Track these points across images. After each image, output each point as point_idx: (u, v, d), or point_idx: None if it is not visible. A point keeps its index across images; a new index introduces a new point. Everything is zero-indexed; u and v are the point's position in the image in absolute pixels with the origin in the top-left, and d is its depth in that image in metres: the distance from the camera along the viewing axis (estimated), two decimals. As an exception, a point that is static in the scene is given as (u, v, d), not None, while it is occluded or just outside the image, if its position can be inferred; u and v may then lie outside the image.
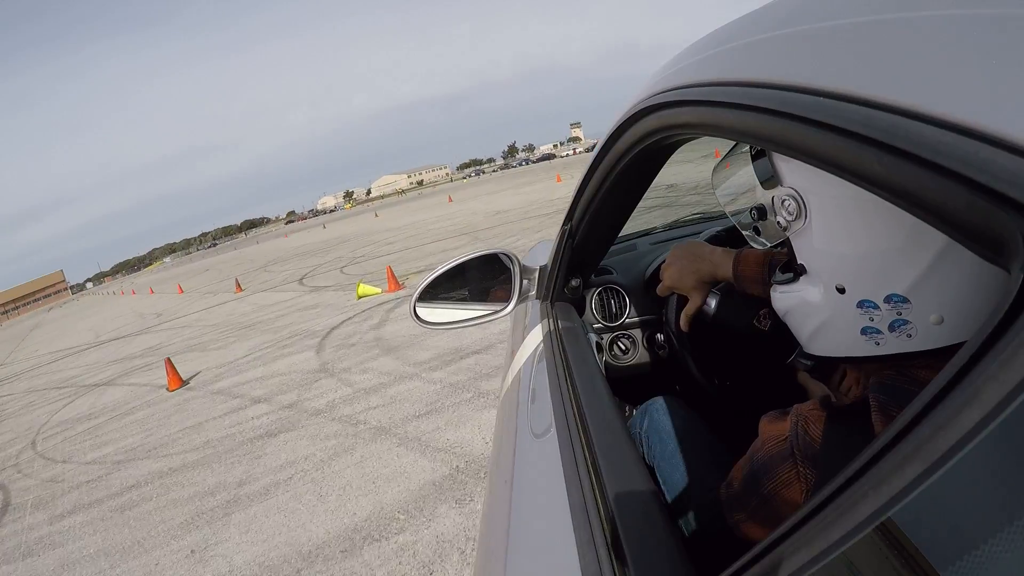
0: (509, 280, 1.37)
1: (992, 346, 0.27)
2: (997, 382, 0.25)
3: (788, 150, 0.45)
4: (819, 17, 0.46)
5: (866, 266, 0.56)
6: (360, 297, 8.31)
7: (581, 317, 1.28)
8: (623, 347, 1.54)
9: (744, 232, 0.74)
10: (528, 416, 1.01)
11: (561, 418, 0.85)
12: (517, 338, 1.53)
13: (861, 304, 0.57)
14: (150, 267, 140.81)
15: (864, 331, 0.59)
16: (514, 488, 0.85)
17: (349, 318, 7.35)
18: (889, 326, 0.56)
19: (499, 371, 3.77)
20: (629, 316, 1.54)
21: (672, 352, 1.26)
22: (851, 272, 0.58)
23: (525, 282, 1.37)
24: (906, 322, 0.55)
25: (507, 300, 1.35)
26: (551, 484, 0.74)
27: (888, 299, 0.55)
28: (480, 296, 1.43)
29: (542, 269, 1.38)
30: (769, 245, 0.70)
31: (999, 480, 0.27)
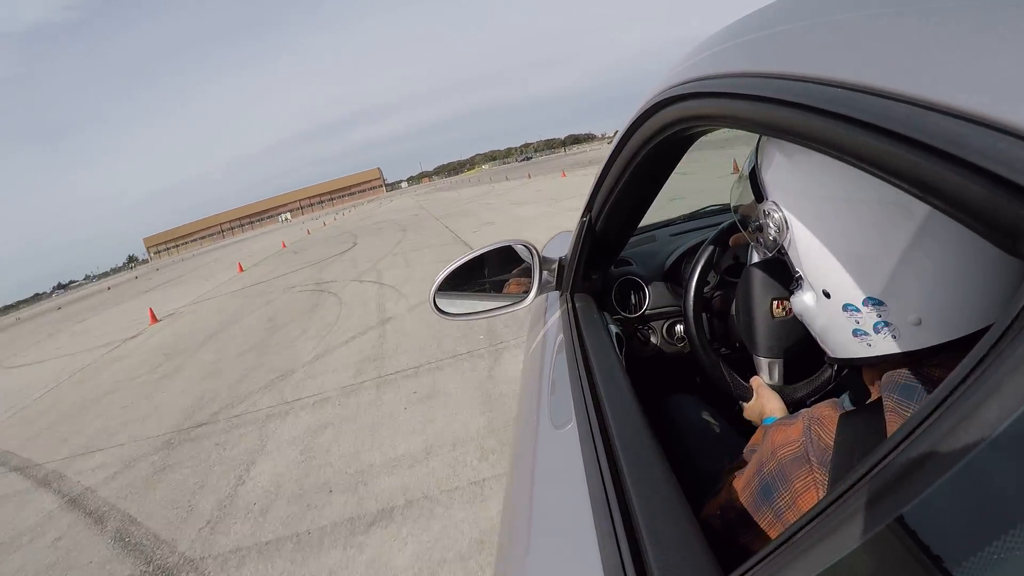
0: (529, 271, 1.37)
1: (1009, 342, 0.26)
2: (1013, 378, 0.25)
3: (805, 141, 0.45)
4: (837, 9, 0.45)
5: (842, 271, 0.59)
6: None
7: (601, 309, 1.28)
8: (643, 338, 1.54)
9: (752, 244, 0.77)
10: (548, 408, 1.02)
11: (581, 410, 0.86)
12: (536, 329, 1.54)
13: (845, 308, 0.61)
14: (470, 171, 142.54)
15: (855, 333, 0.61)
16: (534, 480, 0.85)
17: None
18: (873, 328, 0.59)
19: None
20: (649, 308, 1.53)
21: (692, 344, 1.26)
22: (830, 278, 0.61)
23: (545, 273, 1.37)
24: (887, 323, 0.57)
25: (527, 291, 1.36)
26: (571, 476, 0.74)
27: (866, 302, 0.58)
28: (500, 287, 1.44)
29: (561, 260, 1.39)
30: (770, 255, 0.72)
31: (1014, 479, 0.26)
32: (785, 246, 0.66)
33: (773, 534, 0.65)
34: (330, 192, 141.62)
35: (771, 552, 0.38)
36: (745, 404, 1.13)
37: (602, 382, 0.87)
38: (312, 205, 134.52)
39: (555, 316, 1.38)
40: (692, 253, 1.54)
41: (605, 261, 1.34)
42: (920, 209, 0.50)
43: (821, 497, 0.60)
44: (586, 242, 1.20)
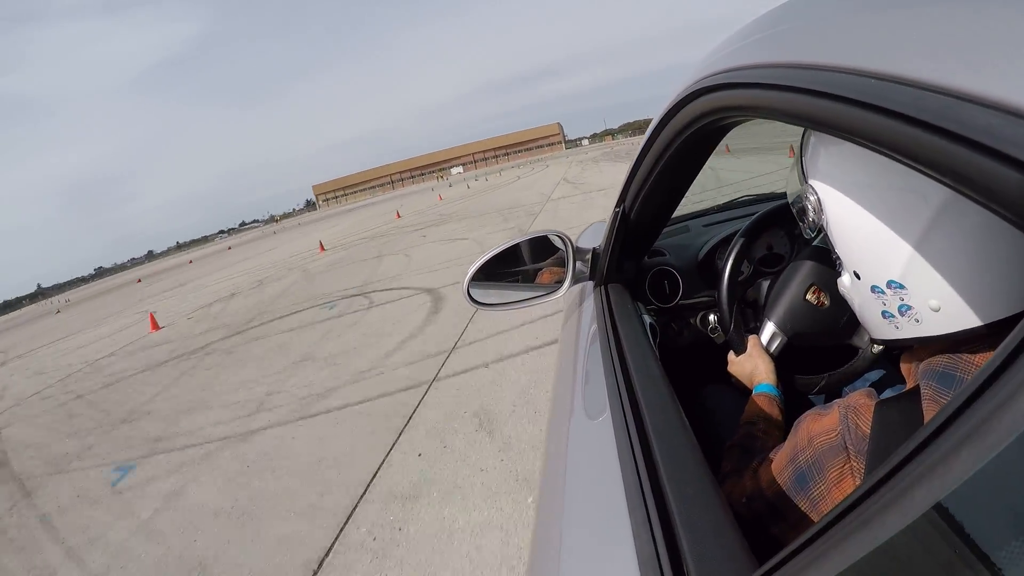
0: (562, 262, 1.38)
1: None
2: None
3: (838, 132, 0.45)
4: None
5: (868, 253, 0.61)
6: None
7: (634, 299, 1.28)
8: (676, 329, 1.54)
9: (800, 226, 0.79)
10: (582, 398, 1.03)
11: (615, 400, 0.86)
12: (571, 320, 1.54)
13: (873, 289, 0.63)
14: None
15: (883, 315, 0.63)
16: (568, 469, 0.86)
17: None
18: (898, 310, 0.61)
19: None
20: (682, 298, 1.53)
21: (726, 333, 1.25)
22: (859, 259, 0.63)
23: (578, 264, 1.37)
24: (910, 307, 0.59)
25: (560, 282, 1.36)
26: (605, 466, 0.74)
27: (890, 284, 0.60)
28: (533, 277, 1.45)
29: (595, 251, 1.39)
30: (812, 235, 0.74)
31: None
32: (826, 227, 0.68)
33: (806, 524, 0.65)
34: (505, 147, 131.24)
35: (807, 541, 0.38)
36: (733, 356, 1.15)
37: (636, 372, 0.88)
38: (487, 159, 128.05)
39: (589, 306, 1.38)
40: (725, 244, 1.53)
41: (638, 251, 1.34)
42: (936, 198, 0.51)
43: (857, 486, 0.60)
44: (620, 233, 1.20)
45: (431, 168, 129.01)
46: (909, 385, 0.65)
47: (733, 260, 1.25)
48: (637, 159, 1.02)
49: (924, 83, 0.35)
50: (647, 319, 1.25)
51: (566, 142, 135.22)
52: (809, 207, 0.68)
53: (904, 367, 0.68)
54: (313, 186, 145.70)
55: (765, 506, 0.71)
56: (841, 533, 0.34)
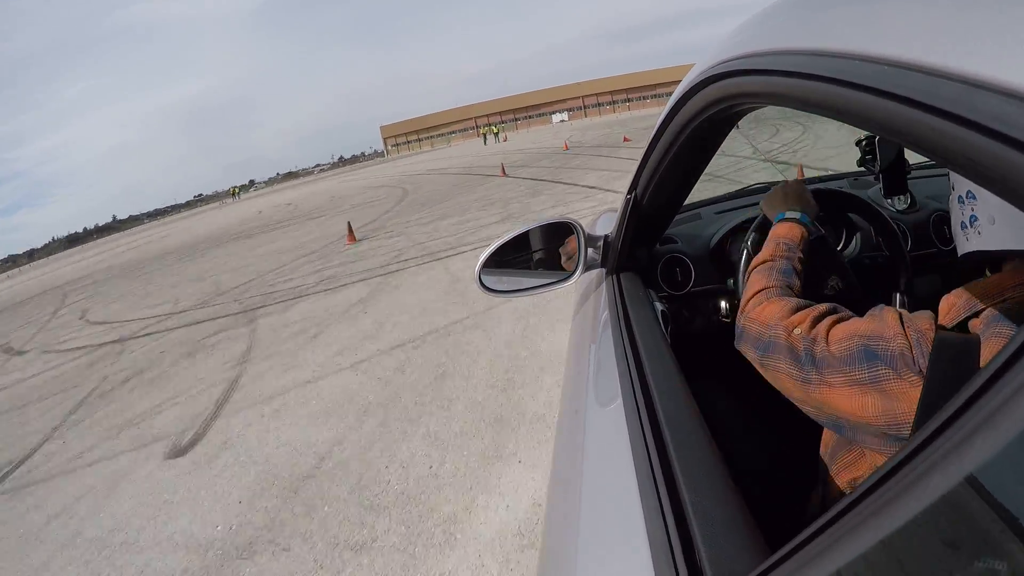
0: (574, 249, 1.37)
1: None
2: None
3: (851, 119, 0.44)
4: None
5: None
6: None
7: (646, 286, 1.28)
8: (688, 316, 1.53)
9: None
10: (594, 385, 1.03)
11: (627, 387, 0.86)
12: (583, 307, 1.55)
13: (959, 200, 0.69)
14: None
15: (962, 226, 0.69)
16: (580, 457, 0.87)
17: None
18: (970, 220, 0.66)
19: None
20: (694, 285, 1.52)
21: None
22: None
23: (590, 251, 1.37)
24: (976, 218, 0.65)
25: (572, 269, 1.37)
26: (617, 453, 0.75)
27: (968, 194, 0.66)
28: (545, 264, 1.45)
29: (607, 238, 1.39)
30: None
31: None
32: None
33: (849, 393, 0.65)
34: (626, 90, 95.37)
35: (820, 529, 0.37)
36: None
37: (648, 359, 0.88)
38: (600, 105, 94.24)
39: (601, 294, 1.38)
40: (737, 231, 1.52)
41: (650, 239, 1.34)
42: None
43: (909, 402, 0.59)
44: (631, 220, 1.19)
45: (527, 112, 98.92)
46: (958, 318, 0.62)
47: (749, 248, 1.25)
48: (649, 146, 1.01)
49: (942, 70, 0.34)
50: (659, 307, 1.25)
51: None
52: None
53: (949, 303, 0.65)
54: (381, 127, 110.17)
55: (825, 350, 0.69)
56: (855, 521, 0.34)
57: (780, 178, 1.96)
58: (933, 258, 1.43)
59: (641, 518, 0.61)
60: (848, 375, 0.65)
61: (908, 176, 1.41)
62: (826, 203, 1.29)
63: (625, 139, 18.96)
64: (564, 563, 0.71)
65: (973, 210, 0.65)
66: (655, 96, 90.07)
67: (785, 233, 0.99)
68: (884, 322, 0.65)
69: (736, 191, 1.92)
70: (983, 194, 0.63)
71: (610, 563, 0.63)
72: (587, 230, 1.36)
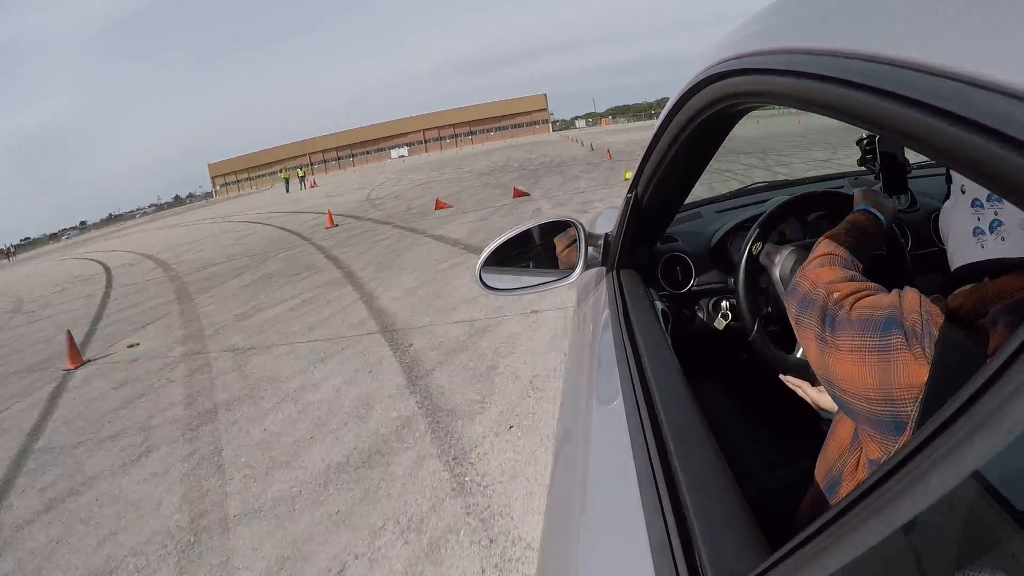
0: (575, 247, 1.38)
1: None
2: None
3: (851, 119, 0.44)
4: None
5: None
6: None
7: (647, 285, 1.29)
8: (688, 315, 1.54)
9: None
10: (594, 384, 1.03)
11: (627, 385, 0.87)
12: (583, 305, 1.55)
13: (973, 203, 0.66)
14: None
15: (975, 232, 0.66)
16: (580, 454, 0.87)
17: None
18: (989, 226, 0.63)
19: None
20: (695, 284, 1.53)
21: (739, 320, 1.26)
22: None
23: (591, 249, 1.37)
24: (1001, 223, 0.62)
25: (573, 267, 1.37)
26: (617, 451, 0.75)
27: (989, 198, 0.63)
28: (546, 263, 1.45)
29: (607, 237, 1.39)
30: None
31: None
32: None
33: (854, 360, 0.65)
34: (471, 123, 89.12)
35: (821, 528, 0.37)
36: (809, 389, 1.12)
37: (648, 358, 0.88)
38: (442, 139, 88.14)
39: (601, 292, 1.38)
40: (738, 230, 1.53)
41: (651, 237, 1.34)
42: None
43: (923, 376, 0.58)
44: (632, 218, 1.20)
45: (367, 147, 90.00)
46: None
47: (749, 250, 1.25)
48: (650, 144, 1.02)
49: (942, 70, 0.34)
50: (659, 305, 1.25)
51: (554, 122, 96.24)
52: None
53: (957, 302, 0.65)
54: (209, 165, 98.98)
55: (840, 314, 0.70)
56: (855, 520, 0.34)
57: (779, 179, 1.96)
58: (933, 257, 1.44)
59: (641, 517, 0.60)
60: (860, 340, 0.65)
61: (908, 175, 1.41)
62: (825, 204, 1.30)
63: (439, 204, 12.38)
64: (564, 561, 0.71)
65: (996, 214, 0.62)
66: (499, 129, 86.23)
67: (864, 221, 1.00)
68: (905, 298, 0.65)
69: (736, 190, 1.93)
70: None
71: (610, 561, 0.63)
72: (588, 228, 1.37)
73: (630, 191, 1.18)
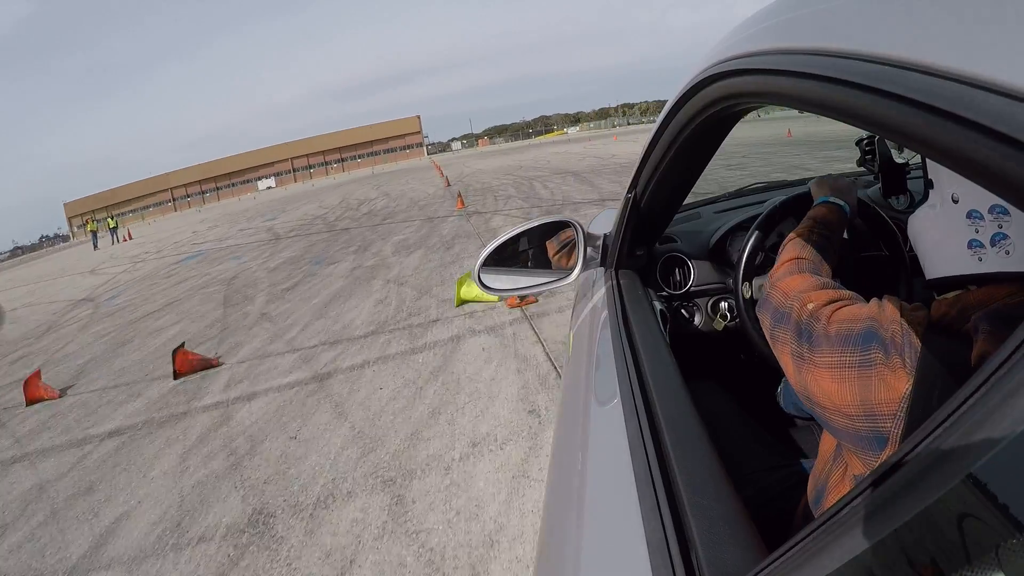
0: (574, 248, 1.37)
1: None
2: None
3: (851, 119, 0.44)
4: None
5: None
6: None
7: (645, 285, 1.28)
8: (687, 315, 1.54)
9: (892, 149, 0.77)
10: (592, 384, 1.03)
11: (625, 386, 0.86)
12: (582, 305, 1.55)
13: (970, 215, 0.61)
14: (549, 135, 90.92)
15: (970, 244, 0.62)
16: (578, 455, 0.86)
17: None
18: (991, 239, 0.59)
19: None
20: (694, 285, 1.52)
21: (737, 321, 1.26)
22: (962, 181, 0.59)
23: (590, 250, 1.37)
24: (1005, 236, 0.58)
25: (572, 267, 1.36)
26: (615, 452, 0.75)
27: (992, 210, 0.58)
28: (545, 263, 1.45)
29: (607, 237, 1.39)
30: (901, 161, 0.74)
31: None
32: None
33: (834, 376, 0.64)
34: (341, 149, 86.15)
35: (816, 527, 0.37)
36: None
37: (646, 358, 0.88)
38: (311, 167, 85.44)
39: (600, 292, 1.38)
40: (737, 231, 1.53)
41: (650, 238, 1.34)
42: None
43: (895, 388, 0.58)
44: (631, 219, 1.20)
45: (232, 179, 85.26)
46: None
47: (748, 252, 1.25)
48: (649, 145, 1.01)
49: (942, 70, 0.34)
50: (658, 305, 1.25)
51: (428, 145, 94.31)
52: None
53: (940, 310, 0.65)
54: (66, 204, 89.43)
55: (818, 328, 0.69)
56: (851, 521, 0.34)
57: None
58: None
59: (639, 517, 0.61)
60: (839, 356, 0.64)
61: (907, 175, 1.41)
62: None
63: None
64: (562, 561, 0.71)
65: (1001, 227, 0.58)
66: (371, 154, 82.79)
67: (825, 214, 0.99)
68: (884, 309, 0.64)
69: (736, 191, 1.93)
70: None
71: (608, 561, 0.63)
72: (587, 228, 1.36)
73: (629, 191, 1.18)
